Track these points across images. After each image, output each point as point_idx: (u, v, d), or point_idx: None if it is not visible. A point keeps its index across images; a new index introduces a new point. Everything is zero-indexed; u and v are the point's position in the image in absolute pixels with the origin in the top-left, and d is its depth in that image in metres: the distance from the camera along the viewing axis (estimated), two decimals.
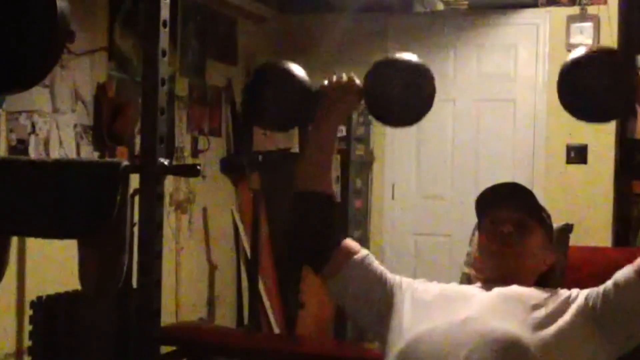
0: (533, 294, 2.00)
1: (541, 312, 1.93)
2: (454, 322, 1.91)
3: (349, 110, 2.22)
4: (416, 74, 2.12)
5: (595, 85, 1.98)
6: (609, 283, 1.95)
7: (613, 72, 1.98)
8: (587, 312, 1.94)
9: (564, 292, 2.02)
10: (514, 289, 2.03)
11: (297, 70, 2.15)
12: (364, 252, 2.15)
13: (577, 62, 2.00)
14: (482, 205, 2.22)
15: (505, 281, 2.07)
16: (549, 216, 2.24)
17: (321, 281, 2.17)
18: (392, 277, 2.14)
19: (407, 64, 2.13)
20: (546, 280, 2.20)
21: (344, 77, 2.14)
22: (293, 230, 2.18)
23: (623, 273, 1.94)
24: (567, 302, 1.98)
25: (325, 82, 2.15)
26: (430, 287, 2.12)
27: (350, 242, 2.16)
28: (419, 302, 2.04)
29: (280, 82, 2.13)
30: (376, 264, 2.15)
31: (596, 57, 2.02)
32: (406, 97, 2.10)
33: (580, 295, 1.99)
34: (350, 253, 2.12)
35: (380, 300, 2.09)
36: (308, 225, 2.15)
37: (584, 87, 1.99)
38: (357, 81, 2.14)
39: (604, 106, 2.00)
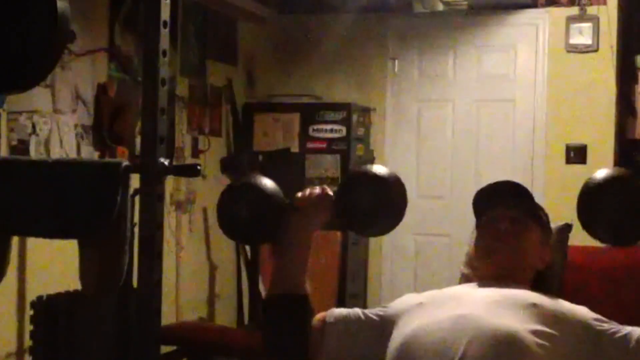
0: (532, 293, 2.01)
1: (541, 311, 1.93)
2: (451, 318, 1.91)
3: (322, 222, 2.17)
4: (387, 186, 2.12)
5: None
6: (629, 336, 1.93)
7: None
8: (590, 333, 1.94)
9: (565, 302, 2.02)
10: (512, 288, 2.03)
11: (268, 183, 2.15)
12: (332, 313, 2.11)
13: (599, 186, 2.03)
14: (480, 203, 2.23)
15: (501, 278, 2.08)
16: (546, 214, 2.25)
17: None
18: (375, 317, 2.09)
19: (378, 177, 2.13)
20: (543, 279, 2.21)
21: (317, 190, 2.13)
22: (266, 336, 2.16)
23: None
24: (568, 310, 1.98)
25: (299, 194, 2.14)
26: (424, 294, 2.12)
27: (317, 317, 2.11)
28: (413, 307, 2.03)
29: (253, 196, 2.12)
30: (352, 313, 2.11)
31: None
32: (378, 209, 2.11)
33: (586, 313, 1.98)
34: (321, 325, 2.09)
35: (375, 343, 2.05)
36: (283, 332, 2.12)
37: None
38: (330, 193, 2.13)
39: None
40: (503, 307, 1.93)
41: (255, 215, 2.12)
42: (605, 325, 1.95)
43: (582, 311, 1.99)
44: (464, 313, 1.91)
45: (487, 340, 1.82)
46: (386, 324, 2.04)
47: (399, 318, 2.03)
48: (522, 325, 1.87)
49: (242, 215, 2.13)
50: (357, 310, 2.11)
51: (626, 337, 1.92)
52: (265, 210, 2.12)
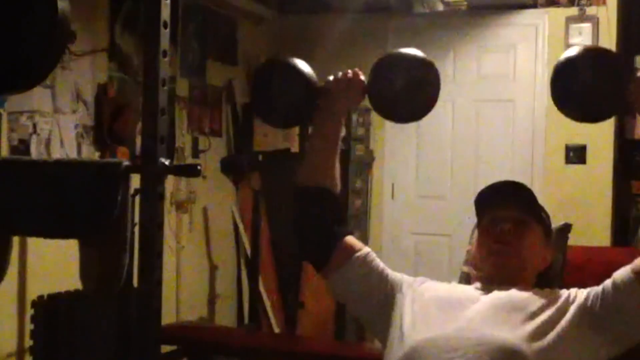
0: (532, 299, 2.00)
1: (540, 319, 1.93)
2: (453, 329, 1.91)
3: (353, 105, 2.22)
4: (420, 69, 2.12)
5: (588, 85, 1.99)
6: (607, 283, 1.96)
7: (606, 71, 1.98)
8: (586, 312, 1.95)
9: (563, 293, 2.02)
10: (513, 294, 2.02)
11: (302, 65, 2.16)
12: (365, 249, 2.16)
13: (570, 61, 2.01)
14: (482, 203, 2.22)
15: (504, 279, 2.08)
16: (547, 215, 2.25)
17: (322, 278, 2.17)
18: (393, 275, 2.15)
19: (412, 60, 2.13)
20: (545, 279, 2.21)
21: (349, 73, 2.14)
22: (295, 227, 2.17)
23: (621, 273, 1.94)
24: (567, 303, 1.98)
25: (330, 77, 2.16)
26: (431, 287, 2.12)
27: (352, 239, 2.16)
28: (420, 302, 2.04)
29: (285, 77, 2.14)
30: (377, 262, 2.16)
31: (589, 56, 2.03)
32: (410, 93, 2.11)
33: (579, 295, 1.99)
34: (352, 250, 2.13)
35: (381, 298, 2.10)
36: (309, 222, 2.15)
37: (576, 87, 2.00)
38: (362, 76, 2.14)
39: (596, 106, 2.01)
40: (504, 318, 1.93)
41: (289, 96, 2.14)
42: (591, 296, 1.96)
43: (577, 299, 1.99)
44: (468, 324, 1.92)
45: (489, 354, 1.83)
46: (390, 301, 2.09)
47: (401, 303, 2.06)
48: (521, 337, 1.87)
49: (277, 95, 2.14)
50: (382, 266, 2.16)
51: (605, 287, 1.95)
52: (299, 90, 2.13)
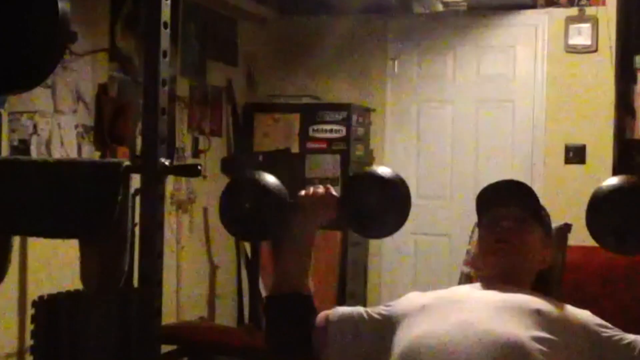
0: (535, 299, 1.99)
1: (544, 317, 1.92)
2: (454, 324, 1.90)
3: (324, 220, 2.17)
4: (391, 187, 2.12)
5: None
6: (633, 344, 1.92)
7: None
8: (597, 351, 1.93)
9: (569, 307, 2.01)
10: (515, 292, 2.02)
11: (273, 181, 2.14)
12: (335, 312, 2.11)
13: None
14: (483, 202, 2.21)
15: (504, 278, 2.07)
16: (547, 215, 2.24)
17: None
18: (378, 316, 2.09)
19: (383, 178, 2.13)
20: (545, 279, 2.21)
21: (320, 189, 2.13)
22: (271, 332, 2.15)
23: None
24: (573, 317, 1.97)
25: (302, 192, 2.14)
26: (428, 294, 2.11)
27: (320, 316, 2.11)
28: (416, 311, 2.02)
29: (256, 193, 2.12)
30: (355, 312, 2.10)
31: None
32: (382, 210, 2.11)
33: (593, 320, 1.98)
34: (325, 323, 2.08)
35: (378, 341, 2.04)
36: (286, 331, 2.12)
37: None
38: (334, 192, 2.13)
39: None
40: (507, 313, 1.92)
41: (258, 211, 2.12)
42: (609, 332, 1.95)
43: (586, 316, 1.98)
44: (468, 319, 1.90)
45: (489, 348, 1.82)
46: (389, 324, 2.04)
47: (402, 319, 2.02)
48: (525, 333, 1.86)
49: (244, 211, 2.12)
50: (360, 309, 2.11)
51: (630, 345, 1.92)
52: (267, 207, 2.11)
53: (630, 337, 1.93)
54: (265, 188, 2.12)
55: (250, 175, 2.19)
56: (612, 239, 2.03)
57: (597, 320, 1.98)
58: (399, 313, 2.05)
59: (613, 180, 2.07)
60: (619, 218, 2.00)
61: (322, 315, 2.10)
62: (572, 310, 1.99)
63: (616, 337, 1.93)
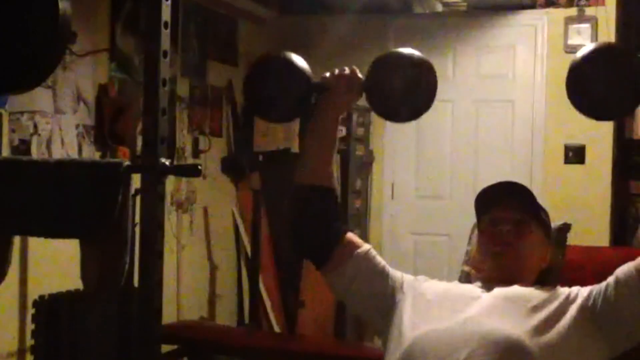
0: (534, 295, 2.00)
1: (542, 314, 1.93)
2: (455, 323, 1.91)
3: (350, 103, 2.20)
4: (418, 69, 2.12)
5: (605, 82, 1.99)
6: (610, 280, 1.95)
7: (620, 68, 1.99)
8: (588, 310, 1.95)
9: (563, 291, 2.02)
10: (515, 290, 2.03)
11: (299, 61, 2.14)
12: (366, 246, 2.14)
13: (585, 59, 2.01)
14: (481, 204, 2.22)
15: (505, 280, 2.07)
16: (547, 215, 2.24)
17: (322, 276, 2.15)
18: (394, 273, 2.14)
19: (409, 60, 2.13)
20: (545, 279, 2.21)
21: (347, 70, 2.13)
22: (293, 225, 2.15)
23: (623, 271, 1.94)
24: (568, 301, 1.98)
25: (327, 74, 2.14)
26: (432, 286, 2.12)
27: (352, 237, 2.15)
28: (420, 301, 2.04)
29: (281, 73, 2.12)
30: (378, 259, 2.14)
31: (603, 54, 2.04)
32: (407, 92, 2.10)
33: (580, 294, 1.99)
34: (352, 247, 2.12)
35: (382, 296, 2.09)
36: (309, 220, 2.13)
37: (592, 84, 2.00)
38: (359, 74, 2.13)
39: (612, 103, 2.01)
40: (507, 312, 1.93)
41: (283, 90, 2.12)
42: (593, 293, 1.96)
43: (574, 293, 2.00)
44: (470, 317, 1.91)
45: (492, 347, 1.83)
46: (391, 298, 2.08)
47: (402, 302, 2.05)
48: (525, 331, 1.87)
49: (270, 90, 2.12)
50: (384, 265, 2.14)
51: (608, 285, 1.94)
52: (293, 86, 2.11)
53: (603, 284, 1.96)
54: (291, 67, 2.12)
55: (277, 54, 2.18)
56: (590, 106, 2.05)
57: (584, 293, 1.99)
58: (403, 296, 2.08)
59: (590, 46, 2.06)
60: (598, 83, 2.01)
61: (353, 240, 2.13)
62: (567, 296, 2.00)
63: (596, 291, 1.95)
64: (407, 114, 2.18)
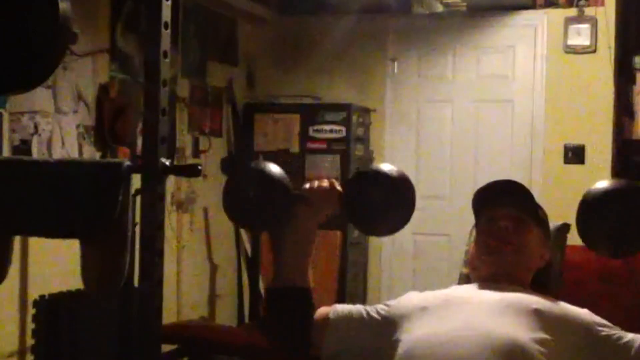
0: (534, 299, 2.00)
1: (543, 318, 1.93)
2: (454, 326, 1.91)
3: (328, 213, 2.17)
4: (396, 185, 2.12)
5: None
6: (631, 343, 1.92)
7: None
8: (595, 349, 1.93)
9: (567, 306, 2.01)
10: (516, 293, 2.03)
11: (277, 171, 2.14)
12: (334, 309, 2.11)
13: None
14: (479, 202, 2.22)
15: (502, 277, 2.08)
16: (544, 214, 2.25)
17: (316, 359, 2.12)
18: (377, 316, 2.08)
19: (387, 175, 2.14)
20: (543, 277, 2.21)
21: (325, 182, 2.13)
22: (268, 327, 2.16)
23: None
24: (569, 315, 1.97)
25: (306, 185, 2.14)
26: (427, 296, 2.11)
27: (320, 311, 2.11)
28: (417, 313, 2.02)
29: (260, 183, 2.12)
30: (355, 311, 2.10)
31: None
32: (386, 207, 2.11)
33: (592, 319, 1.98)
34: (324, 320, 2.09)
35: (376, 341, 2.05)
36: (285, 324, 2.12)
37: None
38: (338, 187, 2.13)
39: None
40: (506, 314, 1.93)
41: (261, 200, 2.11)
42: (607, 330, 1.95)
43: (584, 315, 1.99)
44: (468, 320, 1.91)
45: (490, 349, 1.83)
46: (388, 325, 2.04)
47: (401, 320, 2.03)
48: (524, 333, 1.87)
49: (248, 200, 2.12)
50: (359, 308, 2.11)
51: (628, 344, 1.92)
52: (271, 197, 2.11)
53: (629, 335, 1.94)
54: (269, 178, 2.12)
55: (256, 164, 2.20)
56: (605, 246, 2.03)
57: (596, 318, 1.98)
58: (398, 314, 2.05)
59: (602, 185, 2.06)
60: (610, 224, 1.99)
61: (321, 311, 2.10)
62: (570, 309, 2.00)
63: (614, 336, 1.93)
64: (385, 229, 2.22)
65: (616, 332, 1.95)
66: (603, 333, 1.94)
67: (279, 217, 2.14)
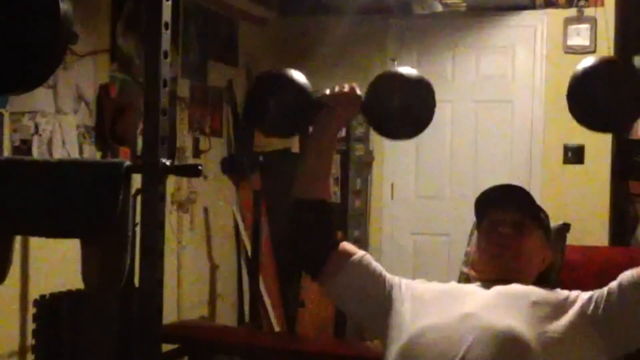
0: (533, 291, 2.01)
1: (541, 309, 1.94)
2: (455, 317, 1.92)
3: (349, 119, 2.23)
4: (417, 88, 2.14)
5: (605, 96, 1.99)
6: (612, 285, 1.96)
7: (620, 82, 2.00)
8: (588, 314, 1.95)
9: (563, 292, 2.03)
10: (514, 286, 2.04)
11: (298, 77, 2.16)
12: (360, 253, 2.15)
13: (586, 73, 2.02)
14: (481, 206, 2.23)
15: (503, 281, 2.08)
16: (546, 216, 2.26)
17: (319, 286, 2.17)
18: (390, 277, 2.14)
19: (408, 78, 2.15)
20: (544, 278, 2.22)
21: (346, 87, 2.15)
22: (292, 237, 2.18)
23: (627, 277, 1.94)
24: (567, 302, 1.98)
25: (327, 90, 2.16)
26: (430, 287, 2.13)
27: (346, 245, 2.16)
28: (419, 300, 2.05)
29: (281, 88, 2.14)
30: (374, 264, 2.15)
31: (603, 68, 2.04)
32: (406, 111, 2.13)
33: (580, 297, 2.00)
34: (347, 256, 2.13)
35: (380, 300, 2.10)
36: (306, 233, 2.15)
37: (593, 98, 2.00)
38: (358, 91, 2.15)
39: (613, 116, 2.02)
40: (506, 306, 1.94)
41: (282, 106, 2.14)
42: (595, 297, 1.96)
43: (578, 299, 1.99)
44: (469, 312, 1.93)
45: (490, 340, 1.84)
46: (391, 298, 2.09)
47: (403, 301, 2.06)
48: (524, 325, 1.88)
49: (269, 106, 2.14)
50: (380, 269, 2.15)
51: (610, 291, 1.94)
52: (292, 102, 2.14)
53: (608, 286, 1.96)
54: (290, 83, 2.14)
55: (276, 70, 2.21)
56: (595, 119, 2.06)
57: (584, 297, 1.99)
58: (400, 298, 2.08)
59: (590, 60, 2.07)
60: (602, 96, 2.02)
61: (348, 248, 2.14)
62: (566, 297, 2.01)
63: (599, 297, 1.95)
64: (405, 133, 2.22)
65: (598, 292, 1.97)
66: (592, 306, 1.95)
67: (300, 122, 2.18)
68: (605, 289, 1.96)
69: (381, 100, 2.13)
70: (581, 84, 2.01)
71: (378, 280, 2.13)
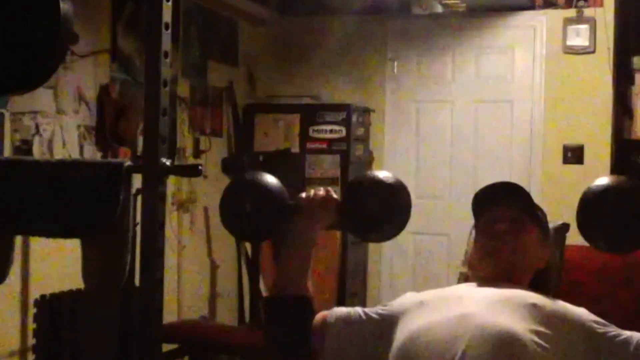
0: (531, 295, 2.01)
1: (539, 312, 1.93)
2: (451, 318, 1.91)
3: (325, 224, 2.17)
4: (392, 192, 2.14)
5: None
6: (629, 340, 1.92)
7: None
8: (594, 331, 1.94)
9: (565, 304, 2.02)
10: (511, 288, 2.03)
11: (274, 182, 2.15)
12: (332, 312, 2.11)
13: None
14: (479, 204, 2.22)
15: (501, 279, 2.08)
16: (544, 214, 2.25)
17: None
18: (376, 316, 2.09)
19: (383, 183, 2.15)
20: (544, 278, 2.22)
21: (321, 191, 2.13)
22: (268, 337, 2.16)
23: None
24: (569, 310, 1.98)
25: (303, 194, 2.14)
26: (424, 294, 2.12)
27: (318, 317, 2.11)
28: (415, 307, 2.03)
29: (256, 195, 2.13)
30: (353, 312, 2.10)
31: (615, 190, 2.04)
32: (382, 215, 2.13)
33: (586, 311, 1.99)
34: (322, 324, 2.09)
35: (376, 341, 2.05)
36: (285, 334, 2.12)
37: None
38: (334, 196, 2.14)
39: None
40: (503, 307, 1.93)
41: (259, 212, 2.12)
42: (605, 329, 1.95)
43: (582, 313, 1.99)
44: (465, 312, 1.92)
45: (487, 340, 1.83)
46: (387, 324, 2.04)
47: (400, 318, 2.03)
48: (521, 325, 1.87)
49: (245, 212, 2.12)
50: (357, 310, 2.11)
51: (625, 341, 1.92)
52: (268, 208, 2.12)
53: (626, 333, 1.94)
54: (265, 189, 2.13)
55: (251, 176, 2.20)
56: (607, 242, 2.04)
57: (593, 317, 1.99)
58: (397, 311, 2.06)
59: (602, 181, 2.07)
60: (610, 219, 2.00)
61: (319, 316, 2.10)
62: (568, 307, 2.00)
63: (612, 333, 1.94)
64: (382, 236, 2.22)
65: (613, 329, 1.96)
66: (600, 330, 1.94)
67: (275, 229, 2.15)
68: (623, 335, 1.93)
69: (358, 205, 2.12)
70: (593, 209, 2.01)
71: (363, 322, 2.08)
